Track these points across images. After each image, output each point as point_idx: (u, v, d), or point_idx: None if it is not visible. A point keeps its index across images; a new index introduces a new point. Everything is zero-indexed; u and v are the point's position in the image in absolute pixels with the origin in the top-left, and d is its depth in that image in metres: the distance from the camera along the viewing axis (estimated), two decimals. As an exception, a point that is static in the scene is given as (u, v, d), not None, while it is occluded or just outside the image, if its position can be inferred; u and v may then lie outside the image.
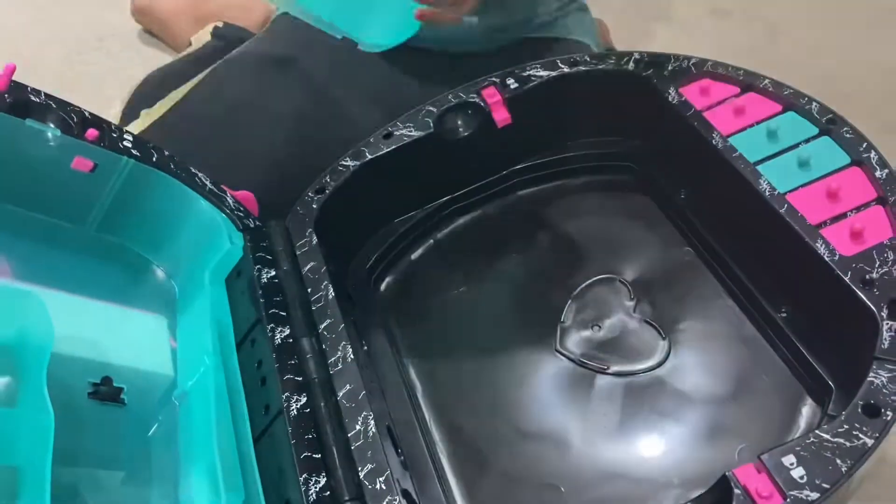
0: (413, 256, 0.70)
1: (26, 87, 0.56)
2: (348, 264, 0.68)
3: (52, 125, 0.56)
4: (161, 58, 1.13)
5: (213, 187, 0.62)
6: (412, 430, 0.58)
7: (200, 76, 0.82)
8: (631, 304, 0.63)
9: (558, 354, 0.61)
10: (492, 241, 0.70)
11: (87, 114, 0.58)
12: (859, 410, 0.44)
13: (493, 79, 0.69)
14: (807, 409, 0.54)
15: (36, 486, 0.41)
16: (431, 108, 0.68)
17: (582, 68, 0.68)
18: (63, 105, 0.57)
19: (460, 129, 0.68)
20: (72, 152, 0.57)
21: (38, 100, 0.56)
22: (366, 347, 0.62)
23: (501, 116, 0.68)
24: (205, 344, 0.55)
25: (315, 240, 0.61)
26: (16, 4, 1.25)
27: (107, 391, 0.52)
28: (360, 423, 0.51)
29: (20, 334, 0.49)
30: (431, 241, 0.71)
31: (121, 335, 0.57)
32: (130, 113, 0.86)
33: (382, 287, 0.69)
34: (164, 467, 0.51)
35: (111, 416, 0.52)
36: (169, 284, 0.63)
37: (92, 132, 0.57)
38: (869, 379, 0.45)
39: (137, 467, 0.50)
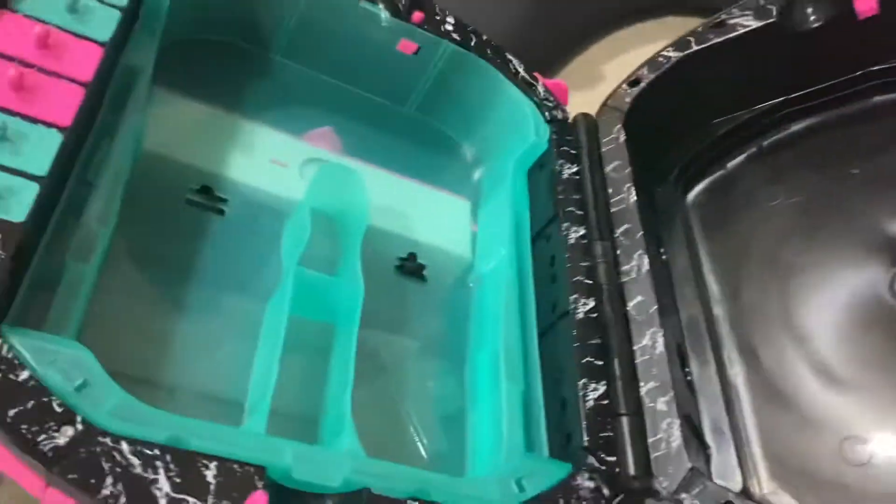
0: (731, 164, 0.64)
1: (363, -31, 0.59)
2: (656, 167, 0.63)
3: (382, 6, 0.58)
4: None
5: (525, 75, 0.61)
6: (703, 352, 0.55)
7: None
8: None
9: (893, 299, 0.52)
10: (831, 155, 0.61)
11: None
12: None
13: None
14: None
15: (346, 343, 0.45)
16: (776, -6, 0.59)
17: None
18: (394, -13, 0.59)
19: (810, 20, 0.59)
20: (398, 34, 0.59)
21: (371, -19, 0.58)
22: (665, 257, 0.59)
23: (866, 6, 0.57)
24: (502, 234, 0.56)
25: (623, 137, 0.58)
26: None
27: (412, 266, 0.55)
28: (647, 337, 0.48)
29: (344, 208, 0.53)
30: (755, 147, 0.64)
31: (428, 214, 0.59)
32: None
33: (691, 195, 0.64)
34: (454, 345, 0.54)
35: (412, 290, 0.55)
36: (476, 170, 0.65)
37: (418, 15, 0.58)
38: None
39: (430, 340, 0.53)
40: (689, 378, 0.52)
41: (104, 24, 0.44)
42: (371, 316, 0.49)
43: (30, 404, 0.32)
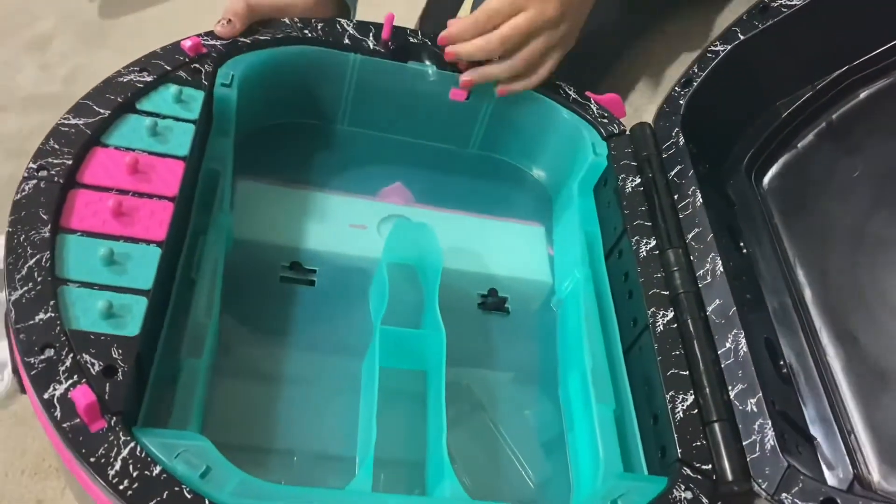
0: (801, 143, 0.63)
1: (405, 30, 0.62)
2: (724, 161, 0.63)
3: (428, 62, 0.61)
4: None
5: (576, 96, 0.63)
6: (797, 340, 0.55)
7: None
8: None
9: None
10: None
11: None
12: None
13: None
14: None
15: (436, 389, 0.49)
16: (817, -31, 0.58)
17: None
18: (435, 41, 0.62)
19: (854, -13, 0.57)
20: (448, 84, 0.62)
21: (415, 40, 0.62)
22: (745, 250, 0.59)
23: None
24: (575, 256, 0.58)
25: (682, 140, 0.59)
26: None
27: (493, 302, 0.58)
28: (730, 340, 0.49)
29: (420, 259, 0.57)
30: (824, 123, 0.62)
31: (504, 247, 0.62)
32: None
33: (765, 182, 0.63)
34: (546, 371, 0.56)
35: (496, 323, 0.58)
36: (545, 194, 0.67)
37: (462, 63, 0.61)
38: None
39: (521, 370, 0.56)
40: (784, 371, 0.52)
41: (182, 139, 0.50)
42: (460, 356, 0.52)
43: (165, 494, 0.37)
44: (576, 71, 0.65)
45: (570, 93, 0.63)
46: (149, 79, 0.52)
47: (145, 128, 0.49)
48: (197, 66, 0.54)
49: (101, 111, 0.49)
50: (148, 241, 0.45)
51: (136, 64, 0.53)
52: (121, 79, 0.51)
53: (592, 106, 0.63)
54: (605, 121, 0.62)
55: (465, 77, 0.59)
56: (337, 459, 0.48)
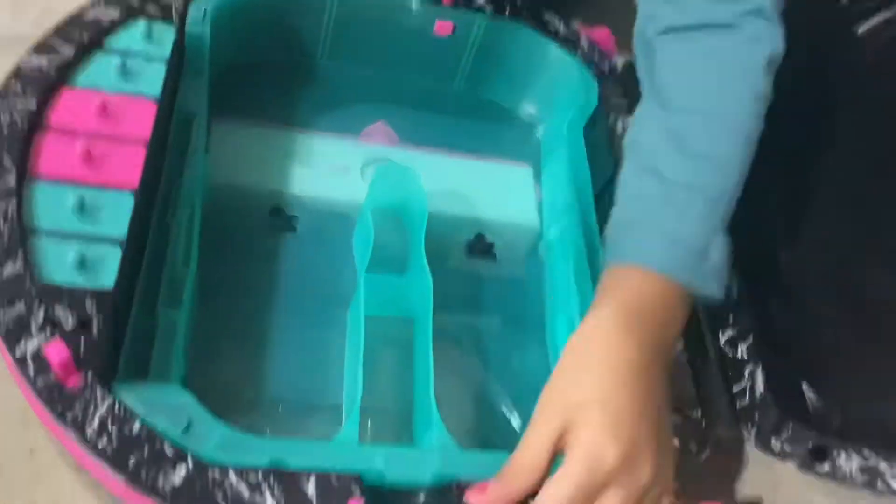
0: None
1: (387, -40, 0.59)
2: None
3: (411, -6, 0.58)
4: None
5: (566, 31, 0.60)
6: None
7: None
8: None
9: None
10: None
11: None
12: None
13: None
14: None
15: (423, 338, 0.48)
16: None
17: None
18: (419, -29, 0.59)
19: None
20: (432, 17, 0.59)
21: (397, -29, 0.59)
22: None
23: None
24: (564, 199, 0.56)
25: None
26: None
27: (480, 247, 0.57)
28: (720, 285, 0.48)
29: (404, 205, 0.55)
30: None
31: (491, 189, 0.60)
32: None
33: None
34: (533, 316, 0.55)
35: (484, 269, 0.57)
36: (533, 133, 0.65)
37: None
38: None
39: (508, 315, 0.55)
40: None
41: (154, 79, 0.47)
42: (447, 303, 0.51)
43: (145, 450, 0.36)
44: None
45: (560, 27, 0.60)
46: (116, 15, 0.49)
47: (114, 67, 0.47)
48: None
49: (67, 50, 0.46)
50: (121, 188, 0.43)
51: (101, -2, 0.50)
52: (86, 15, 0.48)
53: (583, 42, 0.60)
54: (597, 58, 0.60)
55: None
56: (324, 409, 0.47)
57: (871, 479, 0.44)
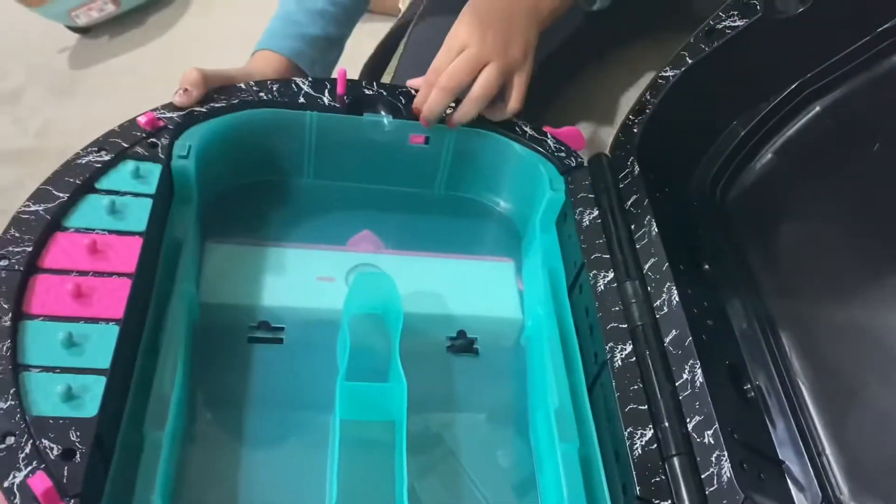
0: (760, 161, 0.63)
1: (360, 82, 0.64)
2: (686, 184, 0.63)
3: (384, 112, 0.62)
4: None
5: (533, 132, 0.64)
6: (764, 361, 0.54)
7: (402, 42, 0.80)
8: None
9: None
10: (861, 129, 0.58)
11: (413, 92, 0.63)
12: None
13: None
14: None
15: (401, 437, 0.49)
16: (754, -10, 0.58)
17: None
18: (392, 90, 0.64)
19: (795, 4, 0.57)
20: (406, 131, 0.63)
21: (370, 92, 0.63)
22: (709, 272, 0.59)
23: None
24: (538, 292, 0.58)
25: (637, 169, 0.59)
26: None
27: (461, 344, 0.59)
28: (687, 371, 0.49)
29: (382, 310, 0.58)
30: (782, 138, 0.62)
31: (473, 286, 0.62)
32: None
33: (727, 201, 0.63)
34: (517, 409, 0.57)
35: (465, 366, 0.58)
36: (514, 228, 0.67)
37: (417, 109, 0.62)
38: None
39: (492, 410, 0.56)
40: (750, 395, 0.52)
41: (140, 214, 0.52)
42: (428, 401, 0.53)
43: (124, 573, 0.38)
44: (535, 108, 0.65)
45: (527, 129, 0.64)
46: (107, 157, 0.54)
47: (104, 207, 0.51)
48: (154, 140, 0.56)
49: (61, 195, 0.51)
50: (107, 320, 0.46)
51: (94, 144, 0.55)
52: (79, 160, 0.53)
53: (549, 140, 0.63)
54: (563, 154, 0.63)
55: (421, 118, 0.61)
56: (309, 515, 0.49)
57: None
